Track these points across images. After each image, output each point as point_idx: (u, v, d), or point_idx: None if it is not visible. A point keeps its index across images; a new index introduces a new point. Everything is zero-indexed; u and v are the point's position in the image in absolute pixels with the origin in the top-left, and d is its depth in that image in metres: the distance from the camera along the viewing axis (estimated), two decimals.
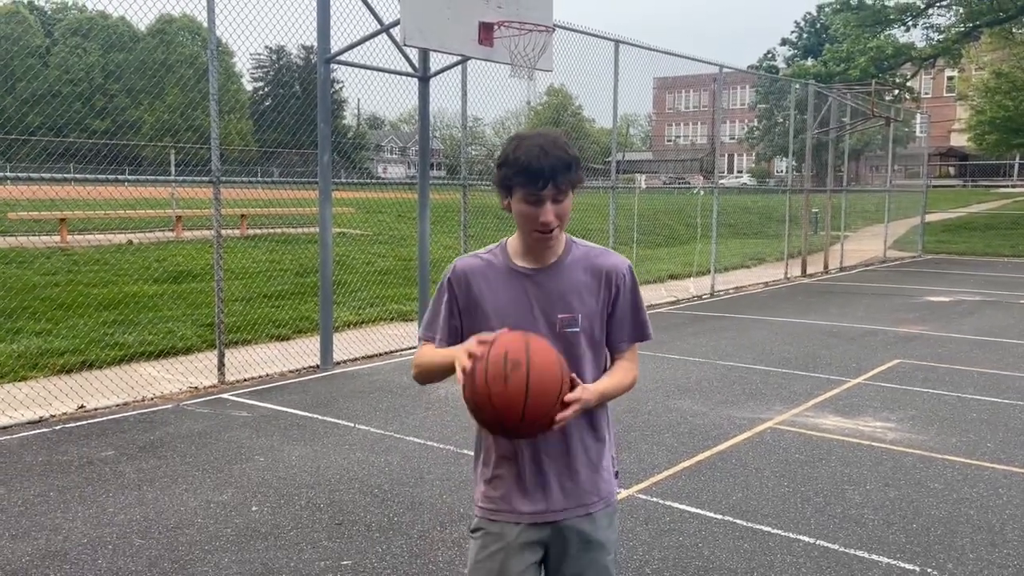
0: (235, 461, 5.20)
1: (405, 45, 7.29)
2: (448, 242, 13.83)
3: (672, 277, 15.27)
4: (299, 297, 11.01)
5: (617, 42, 11.13)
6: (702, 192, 15.27)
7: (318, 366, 7.74)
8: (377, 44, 7.98)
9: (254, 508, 4.46)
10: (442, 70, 8.43)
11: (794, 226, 16.84)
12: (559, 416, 1.89)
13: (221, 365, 7.16)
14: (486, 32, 7.23)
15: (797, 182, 17.96)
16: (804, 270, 16.56)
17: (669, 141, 75.29)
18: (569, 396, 1.91)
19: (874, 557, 3.94)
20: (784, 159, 21.22)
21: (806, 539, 4.13)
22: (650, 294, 13.22)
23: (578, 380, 1.97)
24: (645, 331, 2.20)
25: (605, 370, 2.16)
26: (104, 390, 6.70)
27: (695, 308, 12.11)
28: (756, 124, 59.07)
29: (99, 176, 7.14)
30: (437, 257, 13.60)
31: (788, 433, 5.89)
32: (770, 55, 58.40)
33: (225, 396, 6.76)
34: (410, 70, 8.32)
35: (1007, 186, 47.49)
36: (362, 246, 14.40)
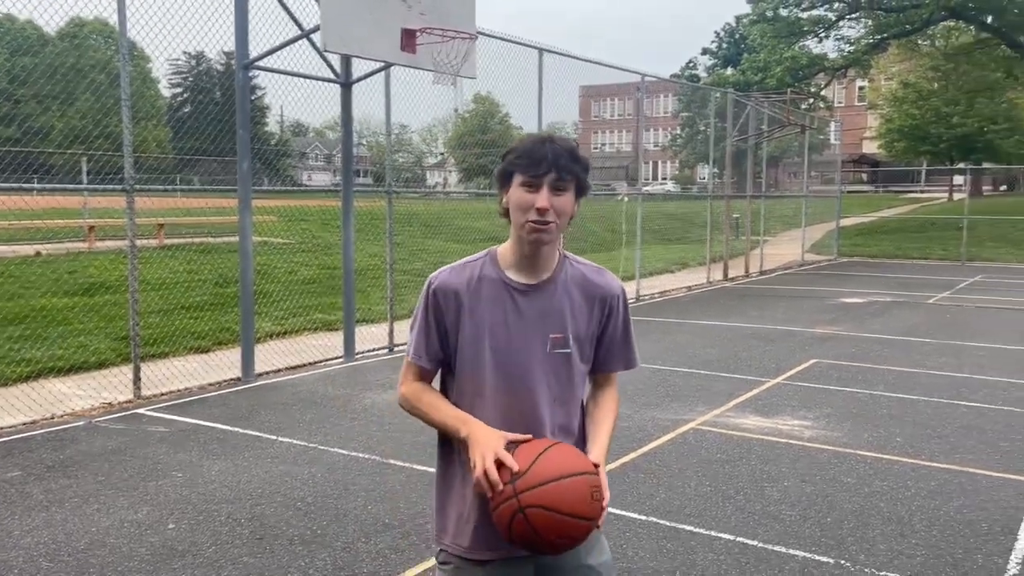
0: (151, 478, 5.03)
1: (326, 51, 7.20)
2: (374, 250, 13.70)
3: None
4: (219, 308, 10.73)
5: (541, 50, 11.21)
6: (626, 199, 15.51)
7: (239, 378, 7.56)
8: (299, 49, 7.86)
9: (171, 526, 4.32)
10: (364, 76, 8.35)
11: (716, 231, 17.24)
12: (600, 523, 1.84)
13: (137, 379, 6.92)
14: (409, 38, 7.20)
15: (718, 188, 18.42)
16: (726, 274, 16.97)
17: (595, 148, 76.31)
18: (606, 499, 1.86)
19: (791, 551, 4.05)
20: (706, 166, 21.79)
21: (727, 536, 4.22)
22: None
23: (597, 464, 1.90)
24: (633, 358, 2.12)
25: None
26: (10, 408, 6.41)
27: None
28: (679, 132, 60.36)
29: (4, 185, 6.83)
30: (363, 265, 13.47)
31: (710, 433, 6.02)
32: (691, 64, 59.82)
33: (141, 411, 6.54)
34: (332, 76, 8.22)
35: (916, 191, 49.66)
36: (285, 255, 14.14)
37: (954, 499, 4.76)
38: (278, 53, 7.59)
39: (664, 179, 65.91)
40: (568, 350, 1.97)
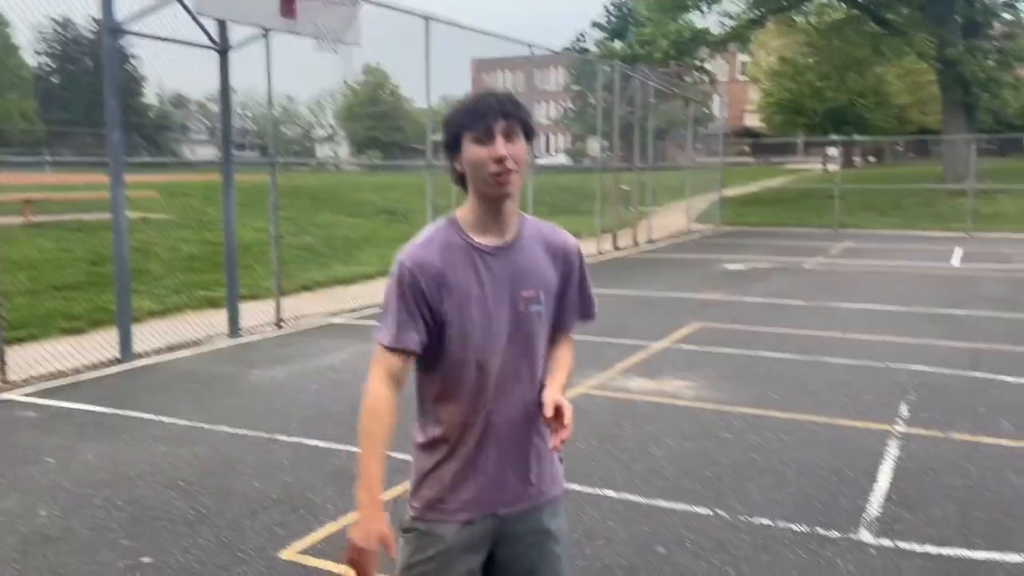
0: (20, 464, 4.77)
1: (199, 15, 6.89)
2: (261, 224, 13.29)
3: None
4: (95, 288, 10.19)
5: (427, 19, 11.06)
6: None
7: (118, 359, 7.23)
8: (175, 15, 7.49)
9: (43, 513, 4.12)
10: (243, 43, 8.04)
11: (606, 203, 17.57)
12: (561, 440, 1.85)
13: (2, 364, 6.52)
14: (288, 3, 6.98)
15: (607, 161, 18.74)
16: (615, 244, 17.34)
17: None
18: (567, 420, 1.85)
19: (672, 505, 4.21)
20: (598, 139, 22.20)
21: (611, 494, 4.35)
22: None
23: (561, 403, 1.86)
24: (592, 308, 2.10)
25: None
26: None
27: None
28: (571, 105, 60.97)
29: None
30: (249, 240, 13.06)
31: (599, 397, 6.17)
32: (582, 37, 60.33)
33: (8, 397, 6.17)
34: (207, 43, 7.88)
35: (794, 163, 51.91)
36: (166, 231, 13.55)
37: (822, 449, 5.05)
38: (153, 18, 7.23)
39: (557, 151, 66.54)
40: (540, 307, 1.95)
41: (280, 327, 8.86)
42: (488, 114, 1.82)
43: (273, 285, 9.17)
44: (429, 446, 1.96)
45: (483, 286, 1.89)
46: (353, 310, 9.93)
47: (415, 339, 1.87)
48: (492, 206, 1.88)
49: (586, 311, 2.09)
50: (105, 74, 7.07)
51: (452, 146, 1.87)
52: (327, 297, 10.69)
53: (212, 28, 7.86)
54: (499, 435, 1.93)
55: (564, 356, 2.07)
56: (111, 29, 6.99)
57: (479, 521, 1.92)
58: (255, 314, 9.04)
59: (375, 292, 11.07)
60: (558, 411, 1.86)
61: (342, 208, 18.05)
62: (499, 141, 1.81)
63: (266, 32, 7.90)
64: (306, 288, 11.19)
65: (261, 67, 8.52)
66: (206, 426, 5.45)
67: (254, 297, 10.28)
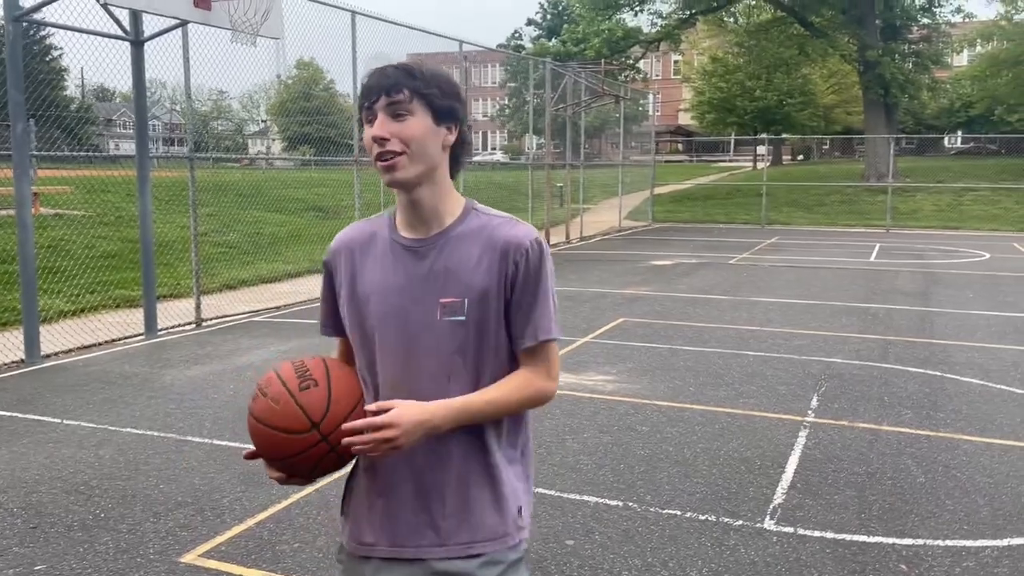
0: None
1: (107, 5, 6.66)
2: (183, 221, 12.97)
3: None
4: (2, 287, 9.80)
5: (353, 13, 10.93)
6: None
7: (22, 360, 6.96)
8: (89, 3, 7.24)
9: None
10: (157, 34, 7.82)
11: (539, 200, 17.64)
12: (346, 440, 1.55)
13: None
14: None
15: (540, 158, 18.81)
16: (548, 241, 17.42)
17: None
18: (371, 407, 1.58)
19: (584, 498, 4.24)
20: (533, 136, 22.28)
21: None
22: None
23: (391, 405, 1.58)
24: (541, 326, 1.68)
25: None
26: None
27: None
28: (507, 102, 61.02)
29: None
30: (171, 238, 12.76)
31: None
32: (517, 34, 60.38)
33: None
34: (120, 33, 7.63)
35: (725, 161, 52.96)
36: (83, 228, 13.10)
37: (734, 439, 5.16)
38: (64, 7, 6.98)
39: (493, 149, 66.56)
40: (461, 317, 1.65)
41: (200, 326, 8.65)
42: (371, 91, 1.64)
43: (193, 283, 8.94)
44: (353, 466, 1.78)
45: (392, 285, 1.69)
46: (277, 308, 9.75)
47: (328, 325, 1.81)
48: (400, 195, 1.69)
49: (534, 328, 1.68)
50: (8, 64, 6.78)
51: (359, 126, 1.70)
52: (251, 295, 10.47)
53: (125, 17, 7.64)
54: (407, 464, 1.67)
55: (506, 381, 1.68)
56: (14, 17, 6.71)
57: (389, 561, 1.69)
58: (174, 313, 8.81)
59: (300, 290, 10.91)
60: (376, 413, 1.57)
61: (270, 205, 17.70)
62: (380, 119, 1.62)
63: (183, 23, 7.69)
64: (229, 286, 10.95)
65: (194, 59, 8.33)
66: (113, 428, 5.28)
67: (175, 296, 10.04)
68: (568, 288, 11.40)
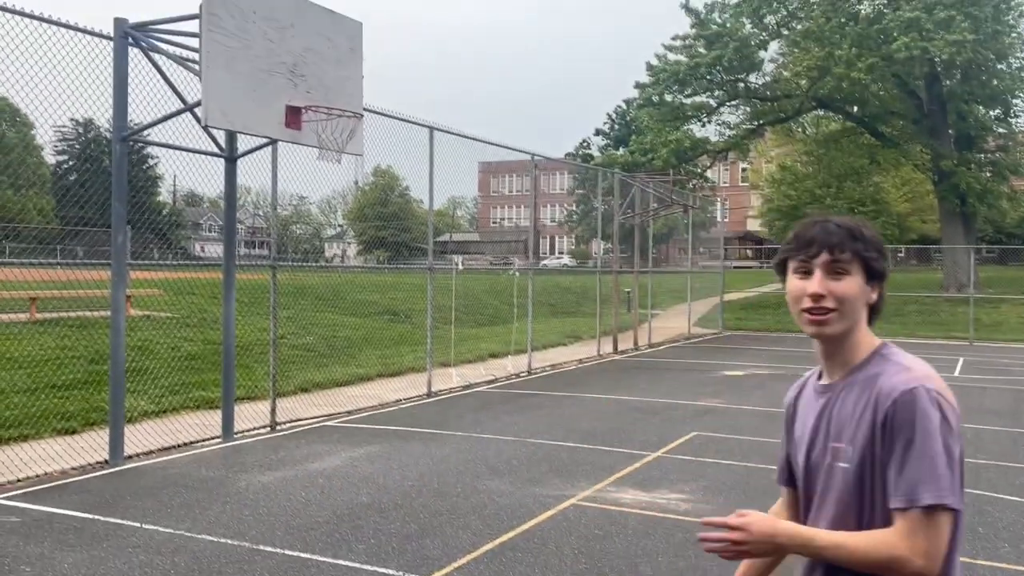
0: None
1: (207, 127, 7.15)
2: (264, 324, 13.39)
3: (492, 356, 15.52)
4: (92, 386, 10.20)
5: (432, 129, 11.45)
6: (517, 273, 15.78)
7: (106, 461, 7.17)
8: (186, 120, 7.79)
9: None
10: (249, 151, 8.32)
11: (607, 305, 17.69)
12: (701, 534, 1.71)
13: None
14: (293, 115, 7.24)
15: (608, 263, 18.98)
16: (616, 347, 17.34)
17: (494, 223, 77.52)
18: (731, 520, 1.68)
19: None
20: (601, 241, 22.65)
21: None
22: (469, 372, 13.35)
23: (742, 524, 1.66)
24: (913, 487, 1.55)
25: None
26: None
27: (512, 386, 12.34)
28: (575, 208, 62.13)
29: None
30: (250, 340, 13.15)
31: (590, 509, 6.06)
32: (585, 144, 61.97)
33: None
34: (216, 150, 8.15)
35: None
36: (169, 329, 13.66)
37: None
38: (165, 123, 7.51)
39: (561, 253, 67.36)
40: (846, 464, 1.67)
41: (274, 429, 8.80)
42: (812, 244, 1.70)
43: (270, 386, 9.16)
44: None
45: (808, 427, 1.78)
46: (348, 412, 9.87)
47: (783, 474, 1.94)
48: (818, 345, 1.76)
49: (902, 489, 1.57)
50: (114, 179, 7.29)
51: (779, 269, 1.80)
52: (324, 399, 10.65)
53: (222, 135, 8.16)
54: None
55: (869, 534, 1.61)
56: (121, 136, 7.25)
57: None
58: (250, 415, 9.00)
59: (372, 394, 11.05)
60: (729, 525, 1.67)
61: (345, 308, 18.17)
62: (817, 276, 1.69)
63: (273, 141, 8.18)
64: (304, 389, 11.16)
65: (268, 169, 8.81)
66: (189, 534, 5.36)
67: (251, 398, 10.27)
68: (637, 397, 11.27)
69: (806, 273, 1.71)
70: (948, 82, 27.98)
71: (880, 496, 1.62)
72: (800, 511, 1.83)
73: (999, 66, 27.81)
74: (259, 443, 8.26)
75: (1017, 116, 30.70)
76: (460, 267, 14.28)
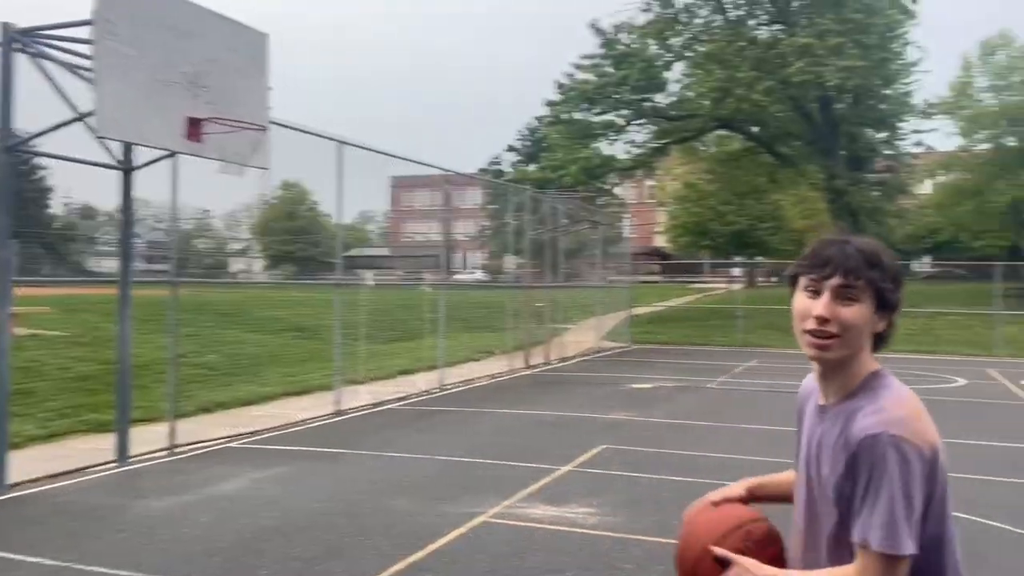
0: None
1: (100, 137, 6.85)
2: (162, 341, 12.90)
3: (403, 372, 15.36)
4: None
5: (340, 143, 11.29)
6: (429, 288, 15.70)
7: None
8: (80, 129, 7.43)
9: None
10: (148, 163, 8.01)
11: (519, 320, 17.77)
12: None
13: None
14: (194, 127, 7.03)
15: (520, 278, 19.09)
16: (527, 362, 17.43)
17: (406, 238, 77.07)
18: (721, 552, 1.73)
19: None
20: (513, 256, 22.75)
21: None
22: (380, 390, 13.17)
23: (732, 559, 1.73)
24: (863, 528, 1.58)
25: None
26: None
27: (423, 403, 12.23)
28: (487, 223, 62.31)
29: None
30: (149, 359, 12.61)
31: (500, 526, 6.04)
32: (497, 160, 62.29)
33: None
34: (111, 161, 7.81)
35: (701, 282, 53.88)
36: (59, 349, 12.98)
37: None
38: (57, 132, 7.16)
39: (474, 268, 67.45)
40: (830, 493, 1.67)
41: (173, 452, 8.46)
42: (826, 265, 1.65)
43: (169, 407, 8.81)
44: None
45: (805, 442, 1.79)
46: (254, 433, 9.58)
47: (797, 458, 1.92)
48: (813, 361, 1.72)
49: (858, 527, 1.60)
50: None
51: (791, 282, 1.75)
52: (228, 419, 10.31)
53: (118, 146, 7.83)
54: None
55: (835, 571, 1.65)
56: (6, 146, 6.88)
57: None
58: (148, 438, 8.62)
59: (278, 414, 10.76)
60: (724, 562, 1.75)
61: (250, 324, 17.70)
62: (825, 299, 1.65)
63: (172, 153, 7.90)
64: (206, 410, 10.78)
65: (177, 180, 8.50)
66: (78, 566, 5.08)
67: (149, 420, 9.84)
68: (547, 412, 11.33)
69: (816, 293, 1.67)
70: (840, 105, 29.40)
71: (837, 524, 1.67)
72: (795, 505, 1.87)
73: (886, 91, 29.42)
74: (157, 467, 7.92)
75: (903, 139, 32.54)
76: (371, 282, 14.11)
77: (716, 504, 1.96)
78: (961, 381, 15.77)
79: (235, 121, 7.17)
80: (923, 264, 43.69)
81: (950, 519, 1.69)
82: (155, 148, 7.30)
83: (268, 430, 9.72)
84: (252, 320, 18.58)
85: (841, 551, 1.66)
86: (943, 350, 22.19)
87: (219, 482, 7.27)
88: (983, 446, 9.29)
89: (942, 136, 72.85)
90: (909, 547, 1.57)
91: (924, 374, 16.84)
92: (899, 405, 1.63)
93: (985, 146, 36.52)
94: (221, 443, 9.00)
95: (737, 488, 2.01)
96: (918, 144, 33.37)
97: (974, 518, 6.34)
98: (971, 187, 35.89)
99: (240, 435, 9.42)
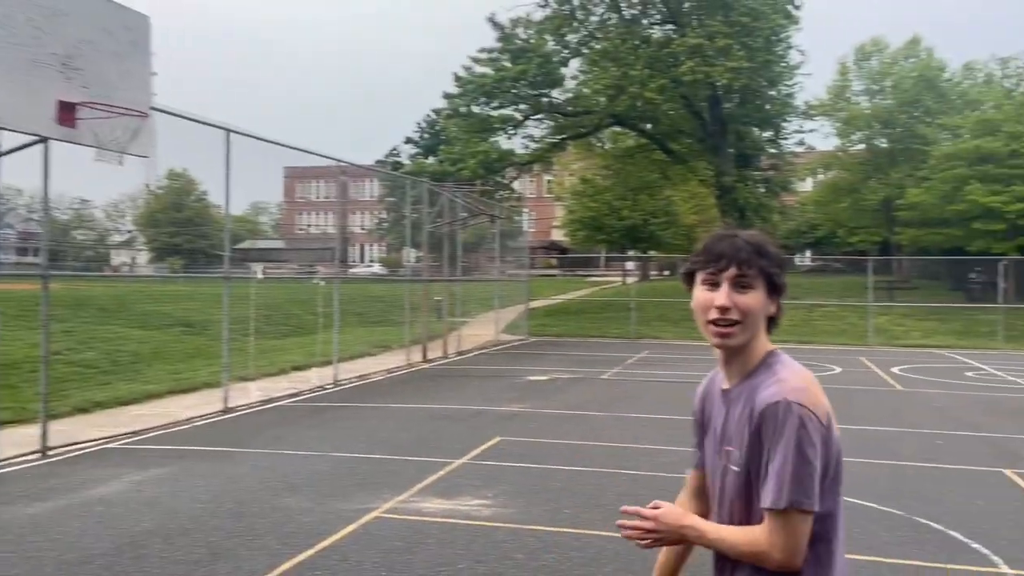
0: None
1: None
2: (34, 339, 12.18)
3: (296, 368, 15.02)
4: None
5: (228, 131, 10.91)
6: (322, 282, 15.39)
7: None
8: None
9: None
10: (15, 149, 7.52)
11: (417, 313, 17.65)
12: (619, 523, 1.84)
13: None
14: (66, 111, 6.64)
15: (418, 272, 18.98)
16: (425, 355, 17.35)
17: (300, 230, 75.32)
18: (645, 511, 1.81)
19: None
20: (411, 249, 22.50)
21: None
22: (271, 386, 12.84)
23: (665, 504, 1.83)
24: (769, 491, 1.70)
25: None
26: None
27: (316, 399, 11.99)
28: (385, 216, 61.60)
29: None
30: (18, 357, 11.92)
31: (393, 521, 5.99)
32: (395, 152, 61.63)
33: None
34: None
35: (597, 275, 54.90)
36: None
37: (609, 565, 5.15)
38: None
39: (371, 261, 66.61)
40: (736, 467, 1.80)
41: (45, 455, 8.00)
42: (721, 258, 1.78)
43: (41, 407, 8.32)
44: None
45: (714, 428, 1.90)
46: (135, 433, 9.17)
47: (694, 457, 2.04)
48: (717, 348, 1.84)
49: (767, 492, 1.71)
50: None
51: (687, 282, 1.86)
52: (106, 419, 9.84)
53: None
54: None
55: (749, 528, 1.77)
56: None
57: None
58: (17, 441, 8.14)
59: (162, 412, 10.34)
60: (642, 515, 1.82)
61: (133, 319, 16.92)
62: (724, 290, 1.78)
63: (43, 139, 7.45)
64: (82, 410, 10.25)
65: (55, 168, 8.01)
66: None
67: (19, 421, 9.31)
68: (444, 405, 11.32)
69: (714, 285, 1.80)
70: (728, 105, 30.47)
71: (752, 492, 1.79)
72: (708, 498, 1.97)
73: (771, 92, 30.68)
74: (27, 471, 7.47)
75: (786, 139, 34.01)
76: (260, 275, 13.72)
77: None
78: (837, 369, 16.64)
79: (112, 106, 6.82)
80: (804, 258, 45.87)
81: (840, 493, 1.83)
82: (23, 133, 6.86)
83: (150, 430, 9.33)
84: (135, 315, 17.76)
85: (753, 516, 1.79)
86: (821, 340, 23.36)
87: (95, 485, 6.93)
88: (856, 430, 9.83)
89: (821, 136, 76.56)
90: (813, 504, 1.70)
91: (804, 363, 17.67)
92: (796, 377, 1.78)
93: (860, 147, 38.66)
94: (98, 444, 8.57)
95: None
96: (800, 143, 34.96)
97: (845, 498, 6.70)
98: (847, 185, 37.96)
99: (120, 435, 9.00)
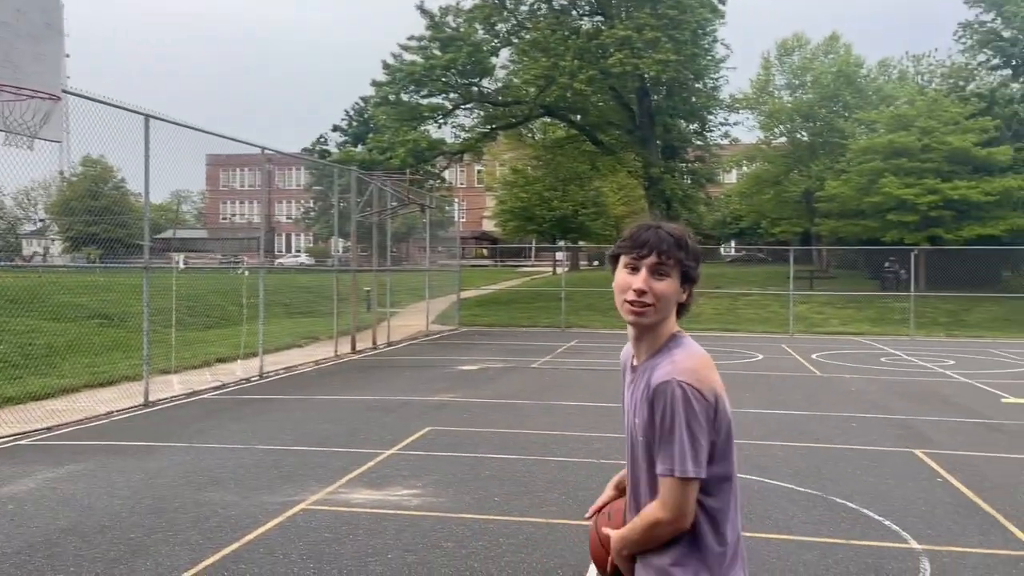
0: None
1: None
2: None
3: (220, 360, 14.68)
4: None
5: (147, 116, 10.55)
6: (246, 272, 15.06)
7: None
8: None
9: None
10: None
11: (345, 304, 17.42)
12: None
13: None
14: None
15: (347, 262, 18.71)
16: (354, 346, 17.15)
17: (224, 219, 73.48)
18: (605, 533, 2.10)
19: None
20: (340, 239, 22.16)
21: None
22: (194, 379, 12.52)
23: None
24: (662, 459, 1.93)
25: None
26: None
27: (241, 392, 11.74)
28: (312, 205, 60.62)
29: None
30: None
31: (320, 512, 5.92)
32: (323, 140, 60.66)
33: None
34: None
35: (528, 265, 55.18)
36: None
37: (538, 550, 5.20)
38: None
39: (298, 251, 65.44)
40: (641, 437, 1.98)
41: None
42: (644, 246, 1.97)
43: None
44: None
45: (625, 400, 2.10)
46: (49, 429, 8.82)
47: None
48: (632, 328, 2.04)
49: (662, 460, 1.94)
50: None
51: (612, 261, 2.06)
52: (17, 415, 9.43)
53: None
54: None
55: (639, 516, 2.02)
56: None
57: None
58: None
59: (78, 407, 9.98)
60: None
61: (46, 311, 16.22)
62: (643, 275, 1.97)
63: None
64: None
65: None
66: None
67: None
68: (373, 396, 11.22)
69: (634, 269, 1.99)
70: (656, 97, 30.93)
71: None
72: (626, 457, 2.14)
73: (697, 85, 31.26)
74: None
75: (711, 131, 34.73)
76: (181, 266, 13.33)
77: (591, 516, 2.26)
78: (760, 356, 17.12)
79: (19, 88, 6.52)
80: (729, 248, 46.97)
81: (733, 459, 2.02)
82: None
83: (65, 425, 8.99)
84: (49, 307, 17.04)
85: (656, 490, 1.97)
86: (745, 328, 23.98)
87: (5, 483, 6.64)
88: (776, 415, 10.15)
89: (746, 129, 78.64)
90: (697, 472, 1.90)
91: (729, 351, 18.14)
92: (689, 359, 1.97)
93: (782, 140, 39.76)
94: (9, 440, 8.22)
95: (606, 492, 2.29)
96: (725, 136, 35.75)
97: (764, 480, 6.92)
98: (771, 177, 39.02)
99: (32, 431, 8.65)
